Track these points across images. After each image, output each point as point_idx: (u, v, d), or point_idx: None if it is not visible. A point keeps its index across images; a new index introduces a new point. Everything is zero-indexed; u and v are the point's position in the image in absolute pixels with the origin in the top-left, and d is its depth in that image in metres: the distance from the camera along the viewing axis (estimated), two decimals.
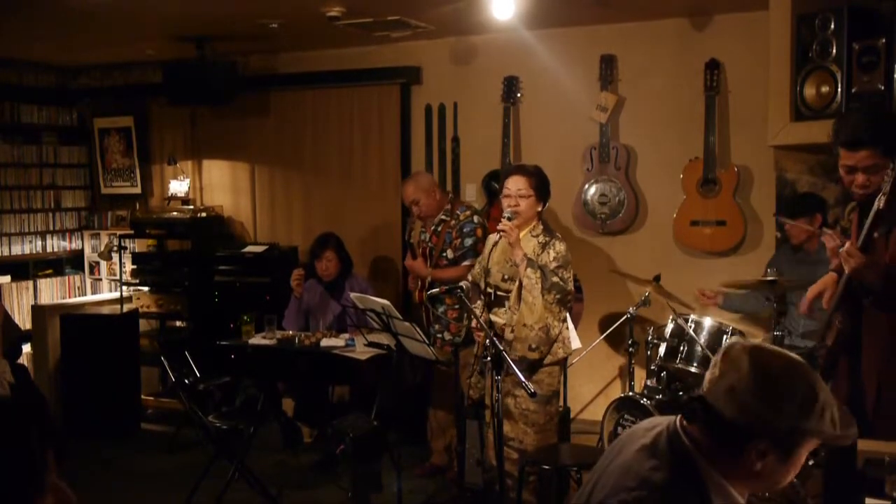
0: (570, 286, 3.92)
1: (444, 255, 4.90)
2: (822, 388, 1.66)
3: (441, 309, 4.85)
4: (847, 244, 2.76)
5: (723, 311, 4.86)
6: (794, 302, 4.54)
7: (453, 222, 4.91)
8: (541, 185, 3.98)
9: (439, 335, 4.86)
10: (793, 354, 1.71)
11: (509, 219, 3.88)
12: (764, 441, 1.63)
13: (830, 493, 3.25)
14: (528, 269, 3.82)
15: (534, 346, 3.83)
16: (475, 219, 4.90)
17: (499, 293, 4.02)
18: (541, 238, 3.93)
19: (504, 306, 3.96)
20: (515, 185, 3.94)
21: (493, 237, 4.11)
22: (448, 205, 4.99)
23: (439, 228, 4.96)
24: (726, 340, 4.28)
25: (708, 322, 4.39)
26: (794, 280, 4.20)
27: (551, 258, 3.87)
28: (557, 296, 3.83)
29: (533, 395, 3.30)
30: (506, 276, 3.97)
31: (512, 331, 3.86)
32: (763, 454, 1.64)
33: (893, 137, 2.84)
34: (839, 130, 2.95)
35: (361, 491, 4.30)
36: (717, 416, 1.65)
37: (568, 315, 4.04)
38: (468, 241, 4.83)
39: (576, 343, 4.10)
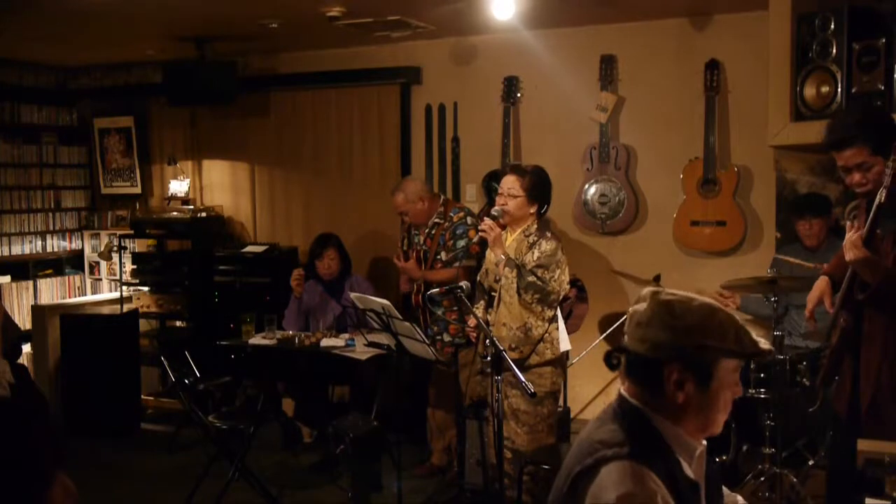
0: (553, 286, 3.87)
1: (439, 257, 4.91)
2: (724, 312, 1.73)
3: (440, 311, 4.84)
4: (854, 234, 2.76)
5: (739, 312, 4.85)
6: (797, 304, 4.55)
7: (447, 224, 4.90)
8: (534, 187, 3.96)
9: (438, 337, 4.85)
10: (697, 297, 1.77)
11: (494, 217, 3.89)
12: (674, 367, 1.69)
13: (830, 493, 3.26)
14: (506, 269, 3.83)
15: (513, 345, 3.83)
16: (468, 220, 4.90)
17: (492, 293, 4.03)
18: (531, 238, 3.93)
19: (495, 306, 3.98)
20: (507, 183, 3.96)
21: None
22: (441, 207, 4.98)
23: (433, 232, 4.95)
24: None
25: None
26: (794, 280, 4.20)
27: (534, 257, 3.86)
28: (536, 295, 3.82)
29: (533, 395, 3.30)
30: (497, 277, 3.98)
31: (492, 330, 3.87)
32: (680, 383, 1.70)
33: (880, 134, 2.80)
34: (827, 133, 2.95)
35: (361, 491, 4.31)
36: (634, 358, 1.74)
37: (560, 316, 4.03)
38: (460, 243, 4.83)
39: (565, 345, 4.07)
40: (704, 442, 1.78)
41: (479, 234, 3.98)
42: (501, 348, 3.36)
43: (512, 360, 3.80)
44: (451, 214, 4.92)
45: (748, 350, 1.71)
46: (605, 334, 5.15)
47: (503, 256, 3.86)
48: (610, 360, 1.87)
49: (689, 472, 1.72)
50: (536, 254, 3.87)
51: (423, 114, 6.05)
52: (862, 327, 2.91)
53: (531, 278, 3.82)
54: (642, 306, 1.75)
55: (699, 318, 1.69)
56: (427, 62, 6.02)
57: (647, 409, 1.72)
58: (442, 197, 5.15)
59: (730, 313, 1.74)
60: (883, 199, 2.65)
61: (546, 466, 3.81)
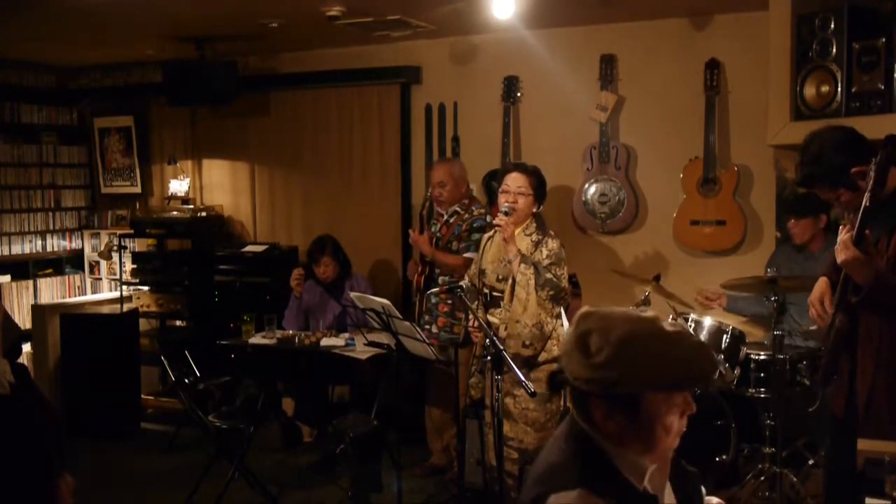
0: (564, 283, 3.92)
1: (450, 245, 4.92)
2: (653, 338, 1.58)
3: (433, 301, 4.85)
4: (845, 235, 2.78)
5: (728, 313, 4.85)
6: (795, 302, 4.55)
7: (466, 216, 4.93)
8: (539, 186, 4.00)
9: (427, 326, 4.86)
10: (632, 313, 1.63)
11: (507, 213, 3.89)
12: (598, 402, 1.61)
13: (830, 493, 3.26)
14: (522, 266, 3.83)
15: (527, 342, 3.83)
16: (487, 218, 4.92)
17: (494, 294, 4.02)
18: (534, 236, 3.94)
19: (500, 307, 3.96)
20: (515, 182, 3.95)
21: (486, 236, 4.12)
22: (466, 199, 5.02)
23: (451, 220, 4.97)
24: (726, 340, 4.28)
25: (708, 321, 4.39)
26: (793, 279, 4.21)
27: (544, 255, 3.88)
28: (551, 292, 3.84)
29: (532, 394, 3.30)
30: (500, 277, 3.97)
31: (505, 328, 3.87)
32: (608, 414, 1.61)
33: (829, 175, 2.91)
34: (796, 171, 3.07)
35: (361, 491, 4.31)
36: (571, 387, 1.65)
37: (563, 312, 4.04)
38: (475, 236, 4.83)
39: None
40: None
41: (495, 230, 3.97)
42: (501, 347, 3.36)
43: (525, 357, 3.82)
44: (474, 209, 4.96)
45: (680, 382, 1.59)
46: None
47: (518, 254, 3.86)
48: (554, 381, 1.78)
49: (646, 485, 1.64)
50: (545, 251, 3.89)
51: (423, 113, 6.05)
52: (858, 328, 2.92)
53: (548, 275, 3.83)
54: (570, 330, 1.68)
55: (615, 351, 1.57)
56: (427, 62, 6.02)
57: (592, 432, 1.65)
58: (472, 191, 5.23)
59: (666, 337, 1.60)
60: (868, 202, 2.69)
61: None
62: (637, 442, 1.62)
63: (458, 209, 4.98)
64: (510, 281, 3.88)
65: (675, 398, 1.62)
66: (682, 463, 1.79)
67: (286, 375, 5.23)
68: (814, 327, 4.26)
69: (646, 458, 1.64)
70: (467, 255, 4.79)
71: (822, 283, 3.17)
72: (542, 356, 3.90)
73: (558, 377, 1.70)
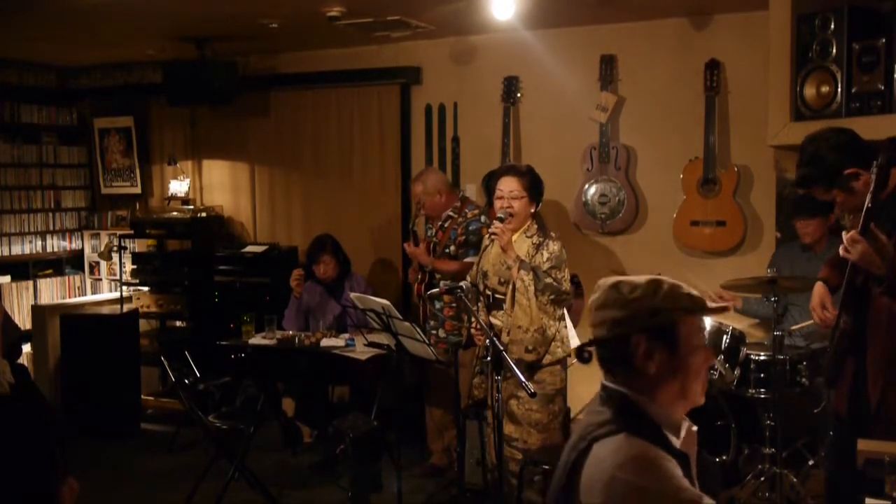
0: (565, 286, 3.91)
1: (448, 251, 4.92)
2: (669, 280, 1.81)
3: (438, 306, 4.85)
4: (851, 232, 2.79)
5: (741, 315, 4.85)
6: (797, 303, 4.55)
7: (460, 219, 4.93)
8: (533, 186, 3.97)
9: (434, 332, 4.87)
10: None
11: (502, 220, 3.88)
12: (639, 339, 1.73)
13: (830, 493, 3.26)
14: (521, 272, 3.81)
15: (530, 347, 3.83)
16: (482, 218, 4.91)
17: (497, 296, 4.01)
18: (535, 239, 3.93)
19: (502, 309, 3.96)
20: (508, 186, 3.93)
21: (486, 239, 4.11)
22: (458, 202, 5.01)
23: (446, 224, 4.98)
24: (726, 341, 4.28)
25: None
26: (794, 279, 4.21)
27: (545, 259, 3.87)
28: (552, 296, 3.83)
29: (533, 395, 3.30)
30: (501, 280, 3.96)
31: (508, 333, 3.86)
32: (649, 353, 1.73)
33: (823, 177, 2.99)
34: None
35: (361, 491, 4.31)
36: (601, 343, 1.79)
37: (566, 313, 4.03)
38: (472, 239, 4.84)
39: (574, 341, 4.09)
40: (694, 427, 1.77)
41: (490, 237, 3.96)
42: (501, 348, 3.36)
43: (529, 361, 3.81)
44: (467, 211, 4.96)
45: (700, 305, 1.78)
46: None
47: (517, 259, 3.85)
48: (581, 354, 1.88)
49: (676, 444, 1.73)
50: (546, 255, 3.87)
51: (423, 114, 6.05)
52: (865, 329, 2.92)
53: (548, 280, 3.82)
54: (596, 294, 1.84)
55: (647, 288, 1.77)
56: (427, 62, 6.02)
57: (632, 393, 1.74)
58: (461, 192, 5.19)
59: (675, 281, 1.81)
60: (870, 203, 2.71)
61: (546, 466, 3.81)
62: (673, 384, 1.73)
63: (451, 213, 4.98)
64: (511, 285, 3.88)
65: (701, 335, 1.79)
66: (703, 452, 1.85)
67: (286, 376, 5.23)
68: (809, 323, 4.26)
69: (679, 408, 1.75)
70: (466, 259, 4.79)
71: (820, 288, 3.18)
72: (547, 358, 3.90)
73: (586, 350, 1.87)
